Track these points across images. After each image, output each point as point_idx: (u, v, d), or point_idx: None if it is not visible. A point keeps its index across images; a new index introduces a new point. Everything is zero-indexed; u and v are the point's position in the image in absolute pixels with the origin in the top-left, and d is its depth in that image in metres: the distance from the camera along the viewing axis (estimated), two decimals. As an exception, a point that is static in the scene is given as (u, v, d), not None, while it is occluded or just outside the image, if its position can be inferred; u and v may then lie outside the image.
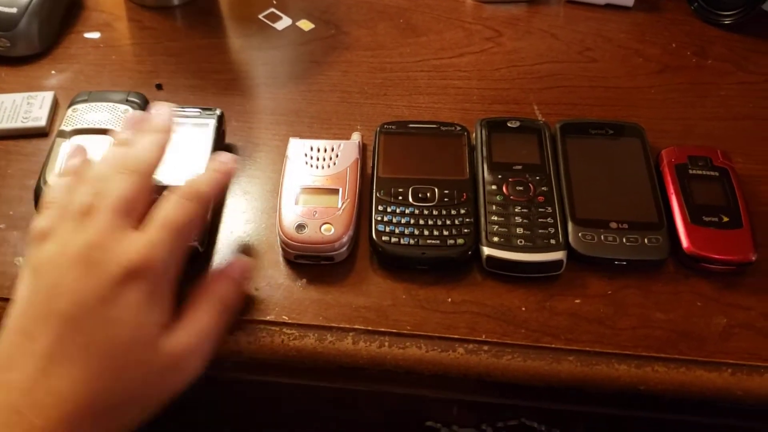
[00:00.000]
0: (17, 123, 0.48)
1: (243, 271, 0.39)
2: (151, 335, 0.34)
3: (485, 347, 0.38)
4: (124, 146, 0.38)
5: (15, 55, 0.52)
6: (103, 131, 0.45)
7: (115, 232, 0.34)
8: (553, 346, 0.38)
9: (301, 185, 0.42)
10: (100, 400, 0.32)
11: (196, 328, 0.35)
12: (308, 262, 0.41)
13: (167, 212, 0.35)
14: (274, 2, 0.58)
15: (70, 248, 0.34)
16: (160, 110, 0.40)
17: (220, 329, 0.36)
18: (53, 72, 0.52)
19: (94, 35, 0.55)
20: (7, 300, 0.36)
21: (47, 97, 0.49)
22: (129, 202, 0.35)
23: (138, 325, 0.33)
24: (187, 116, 0.46)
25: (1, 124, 0.47)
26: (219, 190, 0.39)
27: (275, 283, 0.40)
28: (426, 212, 0.41)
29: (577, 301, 0.40)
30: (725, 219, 0.42)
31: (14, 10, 0.52)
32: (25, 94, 0.49)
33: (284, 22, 0.56)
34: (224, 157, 0.40)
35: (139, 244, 0.34)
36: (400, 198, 0.42)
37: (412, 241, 0.40)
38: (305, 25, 0.56)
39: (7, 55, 0.52)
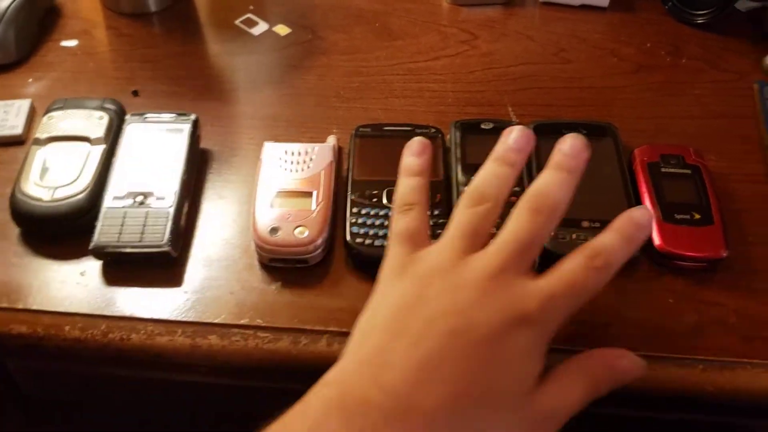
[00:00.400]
0: (-7, 131, 0.48)
1: (630, 366, 0.35)
2: (528, 386, 0.32)
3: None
4: (552, 179, 0.35)
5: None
6: (79, 138, 0.45)
7: (516, 272, 0.33)
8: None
9: (275, 189, 0.42)
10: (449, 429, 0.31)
11: (565, 397, 0.33)
12: (283, 266, 0.41)
13: (575, 274, 0.33)
14: (251, 8, 0.58)
15: (467, 270, 0.33)
16: (576, 143, 0.36)
17: (580, 407, 0.33)
18: (30, 80, 0.52)
19: (72, 43, 0.55)
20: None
21: (24, 105, 0.49)
22: (532, 245, 0.34)
23: (519, 372, 0.32)
24: (162, 122, 0.46)
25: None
26: (627, 258, 0.34)
27: (249, 287, 0.40)
28: (400, 214, 0.42)
29: (551, 300, 0.40)
30: (697, 216, 0.42)
31: (-11, 19, 0.52)
32: (2, 103, 0.49)
33: (261, 28, 0.56)
34: (639, 213, 0.35)
35: (540, 292, 0.32)
36: (375, 200, 0.42)
37: (386, 243, 0.41)
38: (282, 30, 0.56)
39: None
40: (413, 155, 0.38)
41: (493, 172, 0.36)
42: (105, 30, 0.57)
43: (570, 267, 0.33)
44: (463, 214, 0.35)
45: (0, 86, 0.52)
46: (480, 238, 0.34)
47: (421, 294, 0.33)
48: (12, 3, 0.53)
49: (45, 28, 0.56)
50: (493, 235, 0.34)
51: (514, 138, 0.37)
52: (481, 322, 0.31)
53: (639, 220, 0.34)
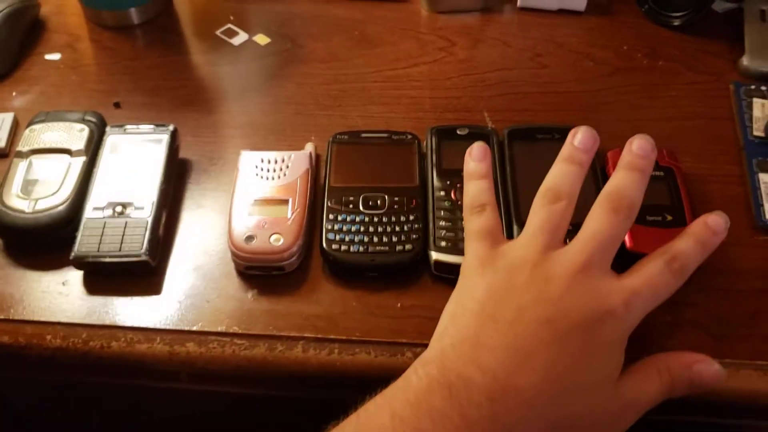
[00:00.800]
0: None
1: (708, 371, 0.35)
2: (612, 377, 0.34)
3: (433, 351, 0.39)
4: (627, 179, 0.37)
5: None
6: (60, 150, 0.45)
7: (600, 268, 0.35)
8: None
9: (251, 197, 0.43)
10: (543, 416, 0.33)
11: (644, 390, 0.35)
12: (259, 273, 0.41)
13: (655, 276, 0.35)
14: (232, 18, 0.58)
15: (553, 264, 0.35)
16: (644, 143, 0.38)
17: (657, 402, 0.35)
18: (14, 94, 0.53)
19: (55, 56, 0.56)
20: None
21: (7, 118, 0.50)
22: (613, 243, 0.36)
23: (604, 362, 0.34)
24: (140, 133, 0.46)
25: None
26: (701, 262, 0.36)
27: (227, 295, 0.41)
28: (376, 220, 0.42)
29: (525, 302, 0.40)
30: (669, 218, 0.42)
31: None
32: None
33: (241, 38, 0.57)
34: (713, 219, 0.37)
35: (624, 290, 0.34)
36: (351, 206, 0.43)
37: (361, 249, 0.41)
38: (262, 39, 0.57)
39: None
40: (476, 160, 0.41)
41: (564, 171, 0.38)
42: (88, 43, 0.58)
43: (650, 269, 0.35)
44: (541, 212, 0.37)
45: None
46: (559, 234, 0.36)
47: (510, 284, 0.35)
48: (-5, 17, 0.54)
49: (29, 41, 0.57)
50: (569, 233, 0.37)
51: (579, 139, 0.39)
52: (571, 312, 0.34)
53: (714, 226, 0.36)
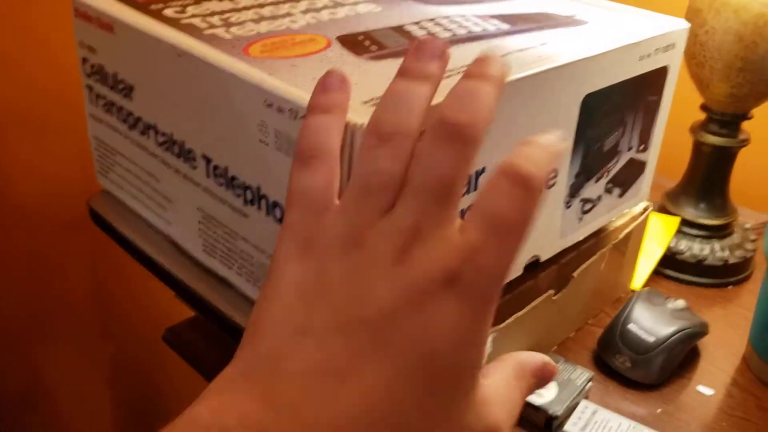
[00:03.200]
0: None
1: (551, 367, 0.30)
2: (476, 364, 0.25)
3: None
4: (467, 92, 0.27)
5: (632, 378, 0.53)
6: None
7: (436, 224, 0.25)
8: None
9: None
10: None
11: (507, 399, 0.28)
12: None
13: (498, 207, 0.25)
14: None
15: (377, 240, 0.26)
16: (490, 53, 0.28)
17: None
18: (658, 410, 0.51)
19: (708, 391, 0.53)
20: None
21: None
22: (453, 186, 0.26)
23: (460, 344, 0.25)
24: None
25: None
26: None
27: None
28: None
29: None
30: None
31: (652, 339, 0.53)
32: (632, 423, 0.48)
33: None
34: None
35: (460, 248, 0.25)
36: None
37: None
38: None
39: (626, 375, 0.53)
40: (326, 91, 0.29)
41: (399, 92, 0.27)
42: (742, 392, 0.53)
43: (497, 202, 0.25)
44: (366, 160, 0.26)
45: (631, 402, 0.51)
46: (392, 187, 0.26)
47: (325, 277, 0.26)
48: (674, 333, 0.53)
49: (686, 364, 0.55)
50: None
51: (424, 45, 0.28)
52: (397, 309, 0.24)
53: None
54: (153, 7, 0.45)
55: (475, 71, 0.27)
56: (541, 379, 0.30)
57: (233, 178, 0.39)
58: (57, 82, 0.65)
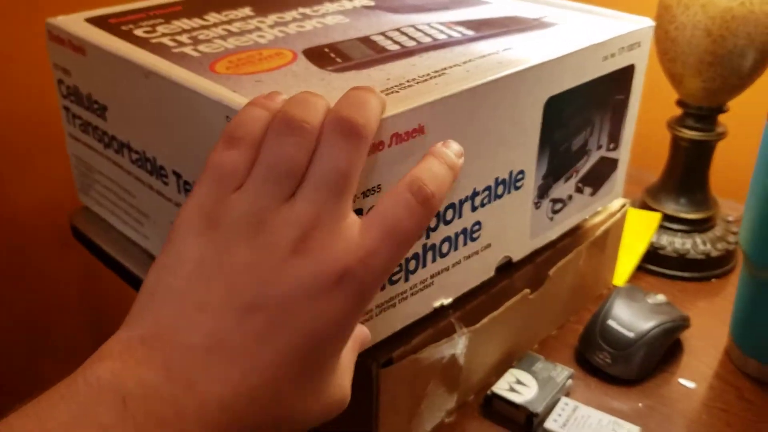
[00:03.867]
0: (600, 445, 0.47)
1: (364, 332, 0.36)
2: (344, 345, 0.30)
3: None
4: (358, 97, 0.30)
5: (613, 373, 0.53)
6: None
7: (333, 218, 0.28)
8: None
9: None
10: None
11: (350, 369, 0.33)
12: None
13: (397, 217, 0.29)
14: None
15: (277, 226, 0.28)
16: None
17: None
18: (640, 405, 0.51)
19: (689, 384, 0.53)
20: None
21: (633, 430, 0.48)
22: (348, 179, 0.29)
23: (338, 330, 0.29)
24: None
25: (584, 439, 0.47)
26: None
27: None
28: None
29: None
30: None
31: (631, 335, 0.53)
32: (612, 419, 0.49)
33: None
34: (455, 146, 0.33)
35: (357, 248, 0.28)
36: None
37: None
38: None
39: (607, 372, 0.54)
40: (269, 97, 0.32)
41: (305, 97, 0.30)
42: (725, 385, 0.54)
43: (393, 211, 0.29)
44: (275, 146, 0.29)
45: (612, 397, 0.52)
46: (295, 174, 0.28)
47: (226, 256, 0.27)
48: (654, 328, 0.54)
49: (668, 357, 0.56)
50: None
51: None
52: (291, 291, 0.27)
53: (454, 147, 0.33)
54: (124, 27, 0.46)
55: (361, 88, 0.31)
56: (361, 344, 0.35)
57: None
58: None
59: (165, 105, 0.39)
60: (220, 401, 0.26)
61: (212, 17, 0.48)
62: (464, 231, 0.41)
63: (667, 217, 0.66)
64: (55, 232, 0.72)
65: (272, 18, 0.48)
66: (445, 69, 0.39)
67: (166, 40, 0.43)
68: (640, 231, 0.65)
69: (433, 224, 0.38)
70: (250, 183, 0.28)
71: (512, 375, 0.51)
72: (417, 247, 0.37)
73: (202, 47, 0.42)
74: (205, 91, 0.36)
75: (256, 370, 0.26)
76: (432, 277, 0.41)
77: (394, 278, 0.39)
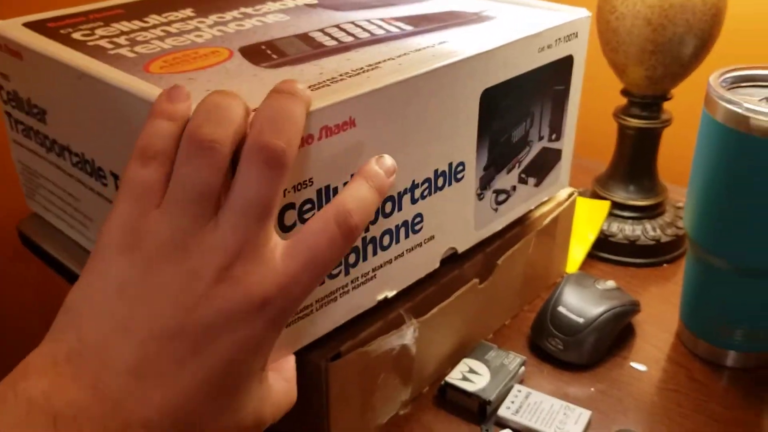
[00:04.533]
0: (550, 430, 0.48)
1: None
2: (262, 368, 0.31)
3: None
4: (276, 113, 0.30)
5: (566, 359, 0.54)
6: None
7: (256, 246, 0.29)
8: None
9: None
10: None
11: (275, 394, 0.34)
12: None
13: (319, 247, 0.30)
14: None
15: (200, 251, 0.28)
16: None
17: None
18: (592, 389, 0.52)
19: (641, 367, 0.54)
20: None
21: (584, 415, 0.49)
22: (271, 205, 0.29)
23: (256, 354, 0.30)
24: None
25: (535, 425, 0.48)
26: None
27: None
28: None
29: None
30: None
31: (581, 321, 0.54)
32: (564, 404, 0.50)
33: None
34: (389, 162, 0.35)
35: (279, 276, 0.29)
36: None
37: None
38: None
39: (560, 358, 0.54)
40: (168, 100, 0.31)
41: (215, 103, 0.30)
42: (677, 367, 0.55)
43: (314, 238, 0.30)
44: (185, 169, 0.28)
45: (565, 383, 0.53)
46: (212, 196, 0.28)
47: (148, 281, 0.28)
48: (604, 313, 0.55)
49: (619, 342, 0.57)
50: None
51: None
52: (213, 319, 0.28)
53: (386, 165, 0.34)
54: (62, 31, 0.45)
55: (285, 88, 0.31)
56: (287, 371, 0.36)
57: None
58: None
59: (99, 106, 0.39)
60: (143, 423, 0.27)
61: (152, 19, 0.48)
62: (405, 223, 0.42)
63: (616, 205, 0.67)
64: (8, 240, 0.71)
65: (212, 18, 0.48)
66: (379, 63, 0.40)
67: (103, 43, 0.43)
68: (591, 219, 0.66)
69: (372, 217, 0.39)
70: (169, 203, 0.29)
71: (465, 364, 0.52)
72: (356, 240, 0.38)
73: (138, 48, 0.42)
74: (134, 90, 0.36)
75: (178, 393, 0.27)
76: (374, 270, 0.41)
77: (334, 272, 0.39)
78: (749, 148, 0.46)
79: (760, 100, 0.48)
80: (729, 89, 0.50)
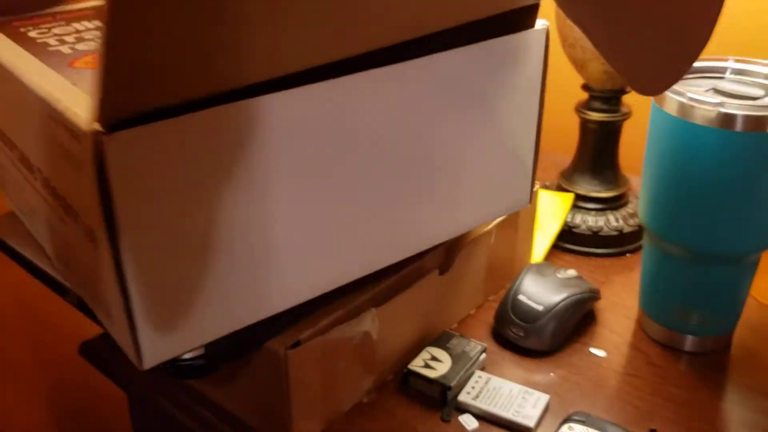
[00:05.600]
0: (508, 414, 0.49)
1: None
2: None
3: None
4: None
5: (527, 346, 0.56)
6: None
7: None
8: None
9: None
10: None
11: None
12: None
13: None
14: None
15: None
16: None
17: None
18: (551, 374, 0.54)
19: (600, 353, 0.56)
20: None
21: (542, 399, 0.50)
22: None
23: None
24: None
25: (494, 409, 0.49)
26: None
27: None
28: None
29: None
30: None
31: (541, 308, 0.56)
32: (523, 388, 0.51)
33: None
34: None
35: None
36: None
37: None
38: None
39: (521, 345, 0.56)
40: None
41: None
42: (635, 351, 0.56)
43: None
44: None
45: (525, 369, 0.54)
46: None
47: None
48: (562, 300, 0.56)
49: (579, 329, 0.58)
50: None
51: None
52: None
53: None
54: (22, 29, 0.47)
55: None
56: None
57: (54, 189, 0.39)
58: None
59: (18, 100, 0.40)
60: None
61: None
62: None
63: (580, 197, 0.68)
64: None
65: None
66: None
67: (51, 40, 0.44)
68: (555, 211, 0.68)
69: None
70: None
71: (427, 352, 0.53)
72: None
73: (79, 45, 0.43)
74: (26, 80, 0.37)
75: None
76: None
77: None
78: (694, 137, 0.48)
79: (707, 90, 0.50)
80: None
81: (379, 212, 0.43)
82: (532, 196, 0.54)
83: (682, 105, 0.48)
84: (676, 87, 0.49)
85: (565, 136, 0.76)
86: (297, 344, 0.43)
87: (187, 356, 0.41)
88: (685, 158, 0.49)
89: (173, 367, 0.41)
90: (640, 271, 0.58)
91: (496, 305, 0.59)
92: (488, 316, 0.59)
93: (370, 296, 0.48)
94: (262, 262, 0.38)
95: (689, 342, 0.56)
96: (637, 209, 0.68)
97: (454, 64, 0.43)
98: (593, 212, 0.68)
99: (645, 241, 0.57)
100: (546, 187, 0.72)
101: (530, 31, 0.47)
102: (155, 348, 0.36)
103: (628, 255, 0.68)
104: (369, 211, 0.42)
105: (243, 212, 0.36)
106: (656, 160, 0.52)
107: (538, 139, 0.51)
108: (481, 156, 0.48)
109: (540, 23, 0.48)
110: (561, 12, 0.62)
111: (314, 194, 0.39)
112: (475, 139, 0.46)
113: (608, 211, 0.68)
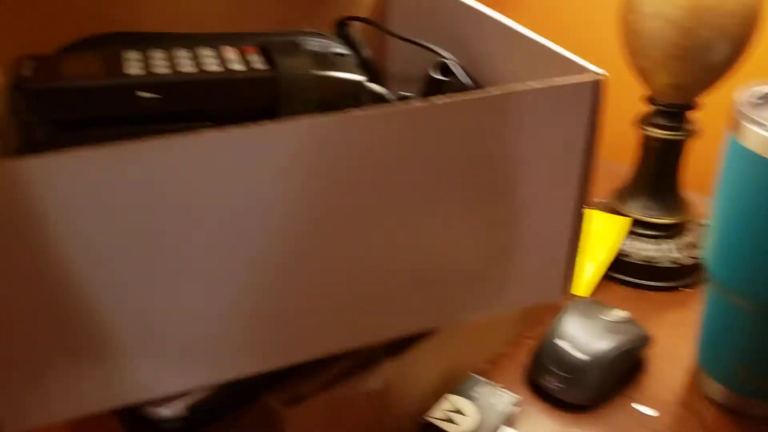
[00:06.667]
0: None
1: None
2: None
3: None
4: None
5: (565, 399, 0.49)
6: None
7: None
8: None
9: None
10: None
11: None
12: None
13: None
14: None
15: None
16: None
17: None
18: (591, 435, 0.47)
19: (648, 411, 0.49)
20: None
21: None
22: None
23: None
24: None
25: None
26: None
27: None
28: None
29: None
30: None
31: (584, 357, 0.49)
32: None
33: None
34: None
35: None
36: None
37: None
38: None
39: (558, 397, 0.49)
40: None
41: None
42: (687, 412, 0.49)
43: None
44: None
45: (561, 424, 0.48)
46: None
47: None
48: (610, 351, 0.49)
49: (624, 380, 0.51)
50: None
51: None
52: None
53: None
54: None
55: None
56: None
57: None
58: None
59: None
60: None
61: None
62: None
63: (634, 222, 0.61)
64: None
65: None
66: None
67: None
68: (607, 237, 0.60)
69: None
70: None
71: (450, 402, 0.47)
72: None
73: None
74: None
75: None
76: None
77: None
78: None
79: (798, 122, 0.42)
80: (758, 107, 0.44)
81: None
82: (567, 291, 0.42)
83: (763, 139, 0.40)
84: (755, 116, 0.41)
85: (626, 141, 0.68)
86: (298, 400, 0.38)
87: (166, 414, 0.36)
88: (763, 201, 0.41)
89: (150, 426, 0.36)
90: (700, 321, 0.51)
91: (532, 342, 0.53)
92: (523, 357, 0.53)
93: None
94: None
95: (752, 406, 0.49)
96: (700, 246, 0.61)
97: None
98: (648, 240, 0.60)
99: (708, 289, 0.50)
100: (597, 206, 0.64)
101: (575, 82, 0.34)
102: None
103: (684, 290, 0.60)
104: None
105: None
106: (728, 200, 0.44)
107: (578, 222, 0.39)
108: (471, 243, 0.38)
109: (593, 70, 0.35)
110: (624, 16, 0.54)
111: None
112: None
113: (665, 240, 0.60)
